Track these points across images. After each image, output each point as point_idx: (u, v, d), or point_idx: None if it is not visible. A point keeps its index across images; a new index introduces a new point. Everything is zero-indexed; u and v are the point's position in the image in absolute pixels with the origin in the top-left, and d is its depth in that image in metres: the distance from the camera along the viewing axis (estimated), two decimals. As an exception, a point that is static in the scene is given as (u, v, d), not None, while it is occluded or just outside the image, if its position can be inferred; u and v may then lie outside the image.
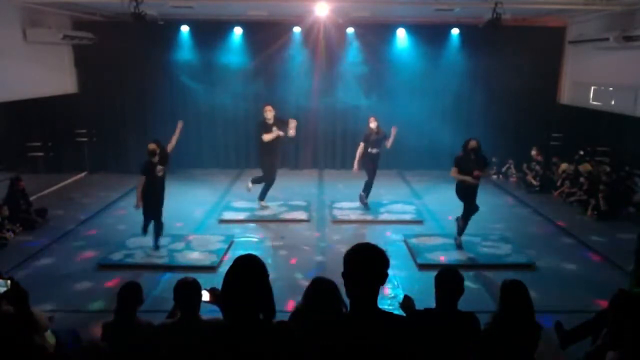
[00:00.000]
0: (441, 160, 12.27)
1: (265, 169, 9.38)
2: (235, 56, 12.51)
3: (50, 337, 3.83)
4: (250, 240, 8.27)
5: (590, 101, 11.56)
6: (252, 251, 2.58)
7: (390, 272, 2.20)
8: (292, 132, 9.23)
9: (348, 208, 9.71)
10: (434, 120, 12.44)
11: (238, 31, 12.50)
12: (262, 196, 9.59)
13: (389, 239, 8.22)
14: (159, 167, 7.21)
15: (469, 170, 7.23)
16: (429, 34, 12.50)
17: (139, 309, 3.76)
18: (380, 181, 9.83)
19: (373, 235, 8.43)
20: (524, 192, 11.41)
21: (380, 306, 2.19)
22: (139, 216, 7.56)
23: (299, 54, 12.50)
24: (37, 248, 7.83)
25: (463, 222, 7.66)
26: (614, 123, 10.58)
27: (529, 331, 3.37)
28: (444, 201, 9.84)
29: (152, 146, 7.15)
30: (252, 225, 8.98)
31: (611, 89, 10.81)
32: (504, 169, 12.77)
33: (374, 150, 9.31)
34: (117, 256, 7.43)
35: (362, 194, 9.58)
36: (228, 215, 9.38)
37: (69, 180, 12.10)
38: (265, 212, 9.46)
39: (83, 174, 12.75)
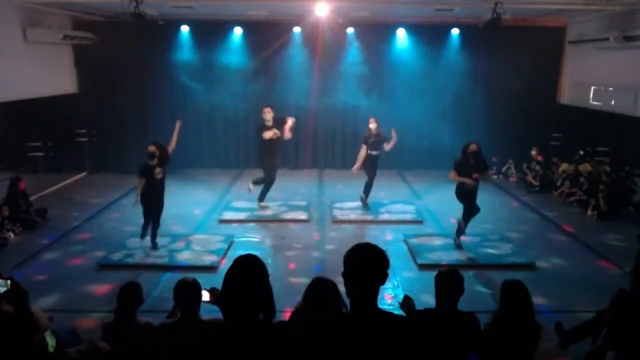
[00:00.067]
0: (441, 160, 12.28)
1: (266, 169, 9.38)
2: (235, 56, 12.52)
3: (50, 337, 3.83)
4: (250, 240, 8.27)
5: (590, 101, 11.57)
6: (252, 251, 2.58)
7: (390, 272, 2.20)
8: (288, 134, 9.22)
9: (348, 208, 9.71)
10: (434, 120, 12.43)
11: (238, 31, 12.51)
12: (262, 197, 9.58)
13: (389, 239, 8.22)
14: (158, 170, 7.20)
15: (468, 174, 7.24)
16: (429, 34, 12.50)
17: (139, 309, 3.76)
18: (380, 181, 9.83)
19: (373, 235, 8.43)
20: (524, 192, 11.41)
21: (380, 306, 2.19)
22: (139, 217, 7.56)
23: (299, 54, 12.50)
24: (37, 248, 7.84)
25: (464, 222, 7.66)
26: (614, 123, 10.58)
27: (529, 331, 3.37)
28: (444, 201, 9.83)
29: (151, 148, 7.15)
30: (252, 225, 8.99)
31: (611, 89, 10.82)
32: (504, 169, 12.78)
33: (374, 152, 9.29)
34: (117, 256, 7.43)
35: (363, 195, 9.57)
36: (228, 215, 9.38)
37: (69, 180, 12.10)
38: (265, 212, 9.46)
39: (83, 174, 12.75)
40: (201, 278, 3.61)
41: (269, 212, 9.46)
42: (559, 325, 4.31)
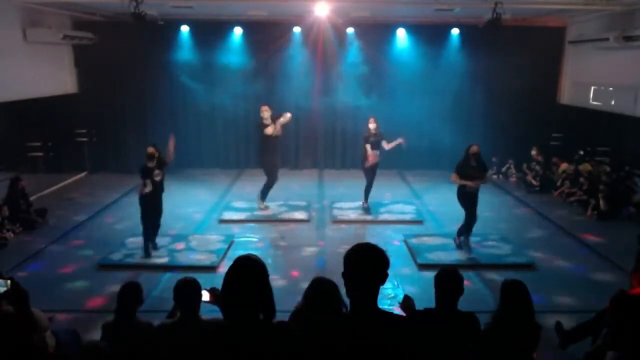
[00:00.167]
0: (441, 160, 12.31)
1: (267, 169, 9.38)
2: (235, 56, 12.52)
3: (50, 337, 3.83)
4: (250, 240, 8.27)
5: (590, 101, 11.57)
6: (252, 251, 2.59)
7: (390, 272, 2.20)
8: (277, 126, 9.02)
9: (348, 208, 9.71)
10: (434, 120, 12.42)
11: (238, 31, 12.51)
12: (263, 197, 9.58)
13: (389, 239, 8.22)
14: (157, 172, 7.20)
15: (470, 176, 7.23)
16: (429, 34, 12.50)
17: (139, 309, 3.76)
18: (380, 181, 9.82)
19: (373, 235, 8.43)
20: (524, 192, 11.41)
21: (380, 306, 2.19)
22: (138, 217, 7.53)
23: (299, 54, 12.50)
24: (37, 248, 7.84)
25: (466, 232, 7.61)
26: (614, 123, 10.58)
27: (529, 331, 3.37)
28: (444, 201, 9.84)
29: (150, 150, 7.15)
30: (252, 225, 8.99)
31: (611, 89, 10.82)
32: (504, 169, 12.77)
33: (374, 152, 9.26)
34: (117, 256, 7.43)
35: (365, 205, 9.51)
36: (228, 215, 9.38)
37: (69, 180, 12.10)
38: (265, 212, 9.47)
39: (83, 174, 12.76)
40: (201, 278, 3.61)
41: (269, 212, 9.47)
42: (559, 325, 4.32)
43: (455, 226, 7.92)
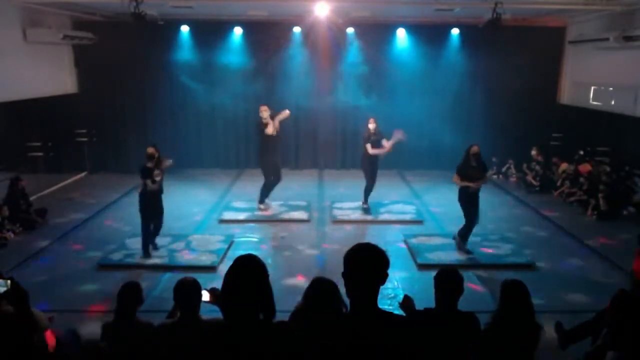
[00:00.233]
0: (441, 160, 12.30)
1: (266, 169, 9.38)
2: (235, 56, 12.52)
3: (50, 337, 3.83)
4: (250, 240, 8.27)
5: (590, 101, 11.57)
6: (252, 251, 2.59)
7: (390, 272, 2.20)
8: (276, 122, 9.05)
9: (348, 208, 9.71)
10: (434, 120, 12.42)
11: (238, 31, 12.51)
12: (262, 199, 9.58)
13: (389, 239, 8.22)
14: (157, 172, 7.20)
15: (470, 177, 7.23)
16: (429, 34, 12.51)
17: (139, 309, 3.76)
18: (380, 181, 9.81)
19: (373, 235, 8.43)
20: (524, 192, 11.41)
21: (380, 306, 2.19)
22: (138, 217, 7.53)
23: (299, 54, 12.49)
24: (37, 248, 7.84)
25: (466, 233, 7.59)
26: (614, 123, 10.58)
27: (529, 331, 3.37)
28: (444, 201, 9.85)
29: (150, 150, 7.16)
30: (252, 225, 8.99)
31: (611, 89, 10.82)
32: (504, 169, 12.77)
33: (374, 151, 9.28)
34: (117, 256, 7.43)
35: (365, 205, 9.51)
36: (228, 215, 9.38)
37: (69, 180, 12.10)
38: (266, 212, 9.46)
39: (83, 174, 12.76)
40: (201, 278, 3.61)
41: (269, 212, 9.47)
42: (559, 325, 4.31)
43: (455, 226, 7.92)
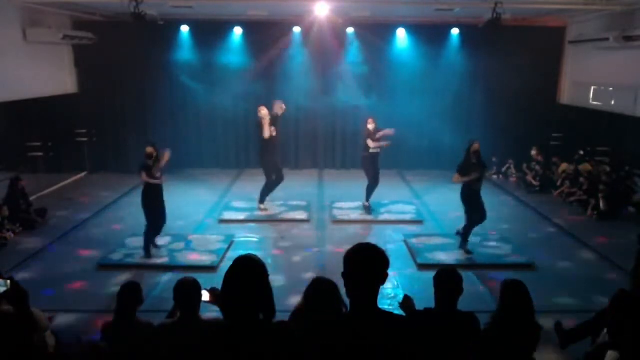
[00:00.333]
0: (441, 160, 12.30)
1: (267, 169, 9.38)
2: (235, 56, 12.52)
3: (50, 337, 3.83)
4: (250, 240, 8.27)
5: (590, 101, 11.57)
6: (252, 251, 2.59)
7: (390, 272, 2.20)
8: (279, 110, 9.12)
9: (348, 208, 9.71)
10: (434, 120, 12.42)
11: (238, 31, 12.51)
12: (263, 198, 9.58)
13: (389, 239, 8.22)
14: (156, 169, 7.20)
15: (470, 174, 7.22)
16: (429, 34, 12.50)
17: (139, 309, 3.76)
18: (380, 181, 9.80)
19: (373, 235, 8.43)
20: (524, 192, 11.41)
21: (380, 306, 2.19)
22: (139, 216, 7.54)
23: (299, 54, 12.50)
24: (37, 248, 7.84)
25: (467, 230, 7.57)
26: (614, 123, 10.58)
27: (529, 331, 3.37)
28: (444, 201, 9.85)
29: (149, 149, 7.16)
30: (252, 225, 8.99)
31: (611, 89, 10.81)
32: (504, 169, 12.77)
33: (374, 150, 9.26)
34: (117, 256, 7.43)
35: (366, 204, 9.52)
36: (228, 215, 9.38)
37: (69, 180, 12.10)
38: (266, 213, 9.46)
39: (83, 174, 12.76)
40: (201, 278, 3.61)
41: (269, 213, 9.46)
42: (559, 325, 4.31)
43: (455, 226, 7.91)
